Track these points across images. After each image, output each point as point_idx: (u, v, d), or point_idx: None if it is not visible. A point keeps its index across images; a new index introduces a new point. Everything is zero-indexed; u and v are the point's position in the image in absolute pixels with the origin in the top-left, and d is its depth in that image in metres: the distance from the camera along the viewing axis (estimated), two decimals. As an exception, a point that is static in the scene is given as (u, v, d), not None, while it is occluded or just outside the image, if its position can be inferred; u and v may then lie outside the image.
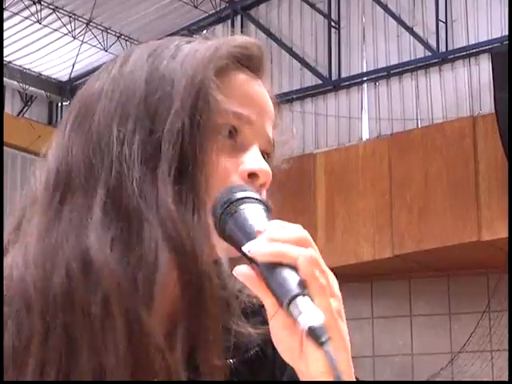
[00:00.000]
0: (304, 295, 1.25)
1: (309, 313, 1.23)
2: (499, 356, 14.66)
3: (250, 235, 1.32)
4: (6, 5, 15.50)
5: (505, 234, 13.33)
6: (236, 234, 1.34)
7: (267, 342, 1.47)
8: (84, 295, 1.42)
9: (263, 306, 1.38)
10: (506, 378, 14.52)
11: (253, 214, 1.35)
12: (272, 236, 1.29)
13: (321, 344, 1.21)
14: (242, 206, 1.36)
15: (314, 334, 1.21)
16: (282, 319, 1.30)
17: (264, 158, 1.51)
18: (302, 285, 1.26)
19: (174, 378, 1.43)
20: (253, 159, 1.49)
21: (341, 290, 1.29)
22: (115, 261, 1.43)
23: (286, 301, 1.25)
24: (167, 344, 1.42)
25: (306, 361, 1.30)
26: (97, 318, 1.42)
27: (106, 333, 1.41)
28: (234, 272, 1.31)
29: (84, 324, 1.42)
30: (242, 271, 1.30)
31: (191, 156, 1.46)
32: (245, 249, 1.30)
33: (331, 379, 1.28)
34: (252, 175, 1.46)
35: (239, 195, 1.38)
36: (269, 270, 1.29)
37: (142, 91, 1.49)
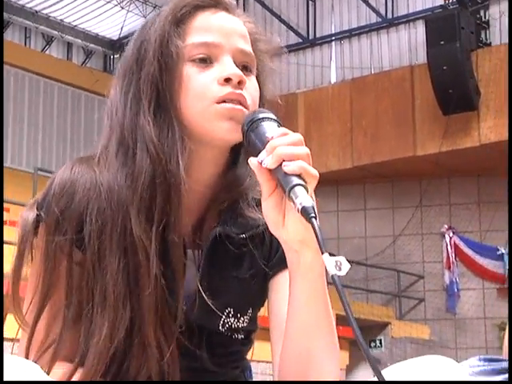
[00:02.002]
0: (300, 185, 1.27)
1: (303, 197, 1.25)
2: (428, 238, 14.77)
3: (263, 143, 1.33)
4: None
5: (432, 150, 13.37)
6: (256, 143, 1.35)
7: (267, 228, 1.46)
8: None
9: None
10: (433, 252, 14.63)
11: (267, 127, 1.36)
12: (274, 143, 1.30)
13: (310, 218, 1.23)
14: (260, 123, 1.36)
15: (305, 211, 1.23)
16: (272, 200, 1.34)
17: (246, 67, 1.49)
18: (299, 177, 1.28)
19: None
20: (223, 68, 1.45)
21: (317, 192, 1.32)
22: (122, 174, 1.44)
23: (287, 188, 1.27)
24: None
25: (286, 231, 1.34)
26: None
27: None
28: (248, 161, 1.34)
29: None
30: (253, 162, 1.32)
31: (166, 89, 1.45)
32: (258, 158, 1.32)
33: (304, 246, 1.35)
34: (227, 79, 1.43)
35: (259, 115, 1.38)
36: (276, 170, 1.30)
37: (133, 54, 1.50)
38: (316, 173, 1.30)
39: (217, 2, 1.51)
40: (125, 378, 1.41)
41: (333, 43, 16.26)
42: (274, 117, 1.38)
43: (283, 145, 1.30)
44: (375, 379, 1.31)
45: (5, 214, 9.77)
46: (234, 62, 1.47)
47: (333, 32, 16.25)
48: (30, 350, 1.42)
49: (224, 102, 1.43)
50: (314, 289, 1.38)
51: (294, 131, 1.36)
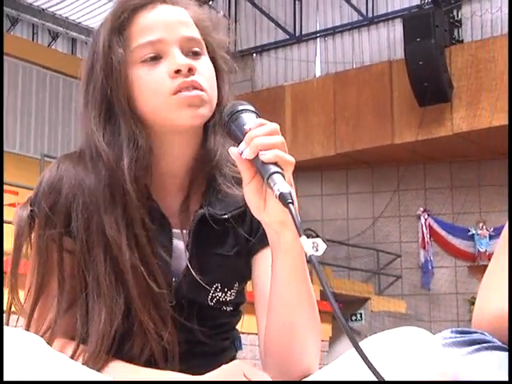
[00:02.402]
0: (277, 173, 1.26)
1: (280, 184, 1.24)
2: (404, 220, 14.80)
3: (243, 133, 1.32)
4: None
5: (409, 139, 13.39)
6: (236, 134, 1.34)
7: (247, 206, 1.46)
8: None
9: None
10: (409, 233, 14.65)
11: (246, 118, 1.34)
12: (251, 134, 1.29)
13: (287, 204, 1.22)
14: (239, 114, 1.35)
15: (283, 197, 1.22)
16: (253, 186, 1.33)
17: (196, 52, 1.46)
18: (275, 165, 1.27)
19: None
20: (172, 61, 1.42)
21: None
22: (93, 177, 1.43)
23: (266, 177, 1.26)
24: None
25: (267, 214, 1.33)
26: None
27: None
28: (229, 151, 1.33)
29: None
30: (233, 152, 1.31)
31: (114, 97, 1.43)
32: (239, 149, 1.31)
33: (284, 227, 1.34)
34: (176, 71, 1.42)
35: (238, 107, 1.36)
36: (255, 159, 1.29)
37: (86, 65, 1.49)
38: (292, 159, 1.29)
39: None
40: (128, 357, 1.40)
41: (317, 40, 16.22)
42: (252, 108, 1.36)
43: (259, 135, 1.28)
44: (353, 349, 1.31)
45: (14, 196, 9.81)
46: (182, 50, 1.44)
47: (318, 29, 16.20)
48: (31, 330, 1.41)
49: (179, 91, 1.42)
50: (294, 266, 1.38)
51: (281, 122, 1.36)
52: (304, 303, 1.40)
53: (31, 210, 1.44)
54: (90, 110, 1.45)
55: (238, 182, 1.48)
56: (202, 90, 1.43)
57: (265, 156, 1.27)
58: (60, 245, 1.41)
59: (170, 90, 1.41)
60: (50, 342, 1.37)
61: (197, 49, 1.47)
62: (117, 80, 1.43)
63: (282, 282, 1.39)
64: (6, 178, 10.63)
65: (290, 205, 1.22)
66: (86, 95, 1.47)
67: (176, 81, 1.42)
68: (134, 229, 1.41)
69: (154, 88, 1.42)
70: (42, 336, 1.37)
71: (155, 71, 1.43)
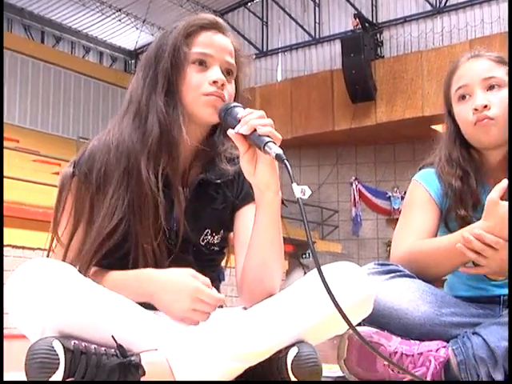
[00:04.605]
0: (271, 142, 1.27)
1: (275, 148, 1.26)
2: (341, 186, 14.79)
3: (237, 120, 1.33)
4: (105, 13, 14.99)
5: (345, 127, 13.39)
6: (232, 121, 1.35)
7: (235, 175, 1.49)
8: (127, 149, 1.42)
9: (235, 158, 1.47)
10: (344, 195, 14.69)
11: (237, 110, 1.36)
12: (246, 118, 1.31)
13: (283, 161, 1.24)
14: (232, 109, 1.37)
15: (279, 157, 1.26)
16: (246, 157, 1.33)
17: (229, 73, 1.48)
18: (268, 137, 1.29)
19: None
20: (213, 73, 1.44)
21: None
22: (135, 134, 1.43)
23: (262, 144, 1.27)
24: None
25: (256, 177, 1.35)
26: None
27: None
28: (228, 132, 1.33)
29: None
30: (231, 132, 1.33)
31: (174, 80, 1.44)
32: (235, 130, 1.32)
33: (267, 188, 1.36)
34: (214, 82, 1.43)
35: (231, 104, 1.38)
36: (251, 135, 1.30)
37: (153, 53, 1.47)
38: (279, 135, 1.32)
39: (216, 26, 1.50)
40: (127, 258, 1.40)
41: (279, 54, 16.13)
42: (240, 105, 1.38)
43: (253, 118, 1.30)
44: (306, 277, 1.32)
45: (57, 167, 9.81)
46: (221, 69, 1.46)
47: (279, 46, 16.13)
48: (67, 258, 1.40)
49: (211, 95, 1.43)
50: (272, 218, 1.39)
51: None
52: (275, 245, 1.40)
53: (73, 170, 1.43)
54: (157, 83, 1.44)
55: (229, 161, 1.51)
56: (224, 101, 1.44)
57: (262, 130, 1.28)
58: (92, 196, 1.41)
59: (204, 92, 1.43)
60: (82, 266, 1.37)
61: (231, 71, 1.49)
62: (179, 69, 1.44)
63: (261, 229, 1.39)
64: (52, 153, 10.59)
65: (286, 161, 1.23)
66: (150, 72, 1.46)
67: (211, 88, 1.43)
68: (169, 177, 1.43)
69: (195, 86, 1.44)
70: (76, 260, 1.38)
71: (200, 75, 1.44)
